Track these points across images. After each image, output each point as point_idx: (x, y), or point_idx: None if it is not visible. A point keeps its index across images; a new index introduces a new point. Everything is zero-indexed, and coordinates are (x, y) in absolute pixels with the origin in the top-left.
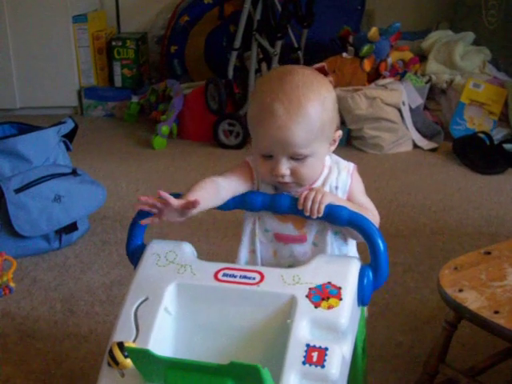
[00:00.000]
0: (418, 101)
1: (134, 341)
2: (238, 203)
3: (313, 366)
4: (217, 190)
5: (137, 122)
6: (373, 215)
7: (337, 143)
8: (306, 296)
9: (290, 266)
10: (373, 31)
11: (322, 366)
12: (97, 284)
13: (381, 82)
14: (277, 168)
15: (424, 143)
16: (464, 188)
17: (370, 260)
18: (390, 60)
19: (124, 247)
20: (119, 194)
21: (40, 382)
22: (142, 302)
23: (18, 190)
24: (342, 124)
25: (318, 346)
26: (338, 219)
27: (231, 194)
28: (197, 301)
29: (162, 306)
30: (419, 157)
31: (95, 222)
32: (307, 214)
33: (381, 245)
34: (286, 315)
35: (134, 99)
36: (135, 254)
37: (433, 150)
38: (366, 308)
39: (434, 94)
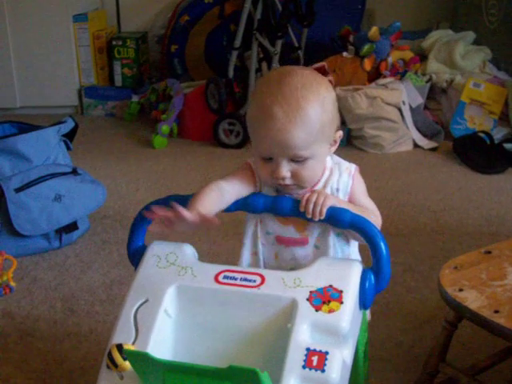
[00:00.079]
0: (419, 100)
1: (134, 343)
2: (240, 205)
3: (313, 371)
4: (221, 194)
5: (137, 122)
6: (375, 217)
7: (338, 144)
8: (307, 299)
9: (292, 268)
10: (373, 30)
11: (322, 371)
12: (97, 283)
13: (381, 81)
14: (277, 171)
15: (424, 143)
16: (464, 187)
17: (372, 263)
18: (390, 59)
19: (124, 246)
20: (119, 193)
21: (40, 381)
22: (141, 304)
23: (18, 190)
24: (343, 124)
25: (318, 349)
26: (340, 222)
27: (235, 197)
28: (197, 303)
29: (162, 308)
30: (419, 156)
31: (95, 221)
32: (309, 216)
33: (383, 248)
34: (286, 318)
35: (135, 98)
36: (136, 255)
37: (433, 150)
38: (367, 311)
39: (435, 93)
